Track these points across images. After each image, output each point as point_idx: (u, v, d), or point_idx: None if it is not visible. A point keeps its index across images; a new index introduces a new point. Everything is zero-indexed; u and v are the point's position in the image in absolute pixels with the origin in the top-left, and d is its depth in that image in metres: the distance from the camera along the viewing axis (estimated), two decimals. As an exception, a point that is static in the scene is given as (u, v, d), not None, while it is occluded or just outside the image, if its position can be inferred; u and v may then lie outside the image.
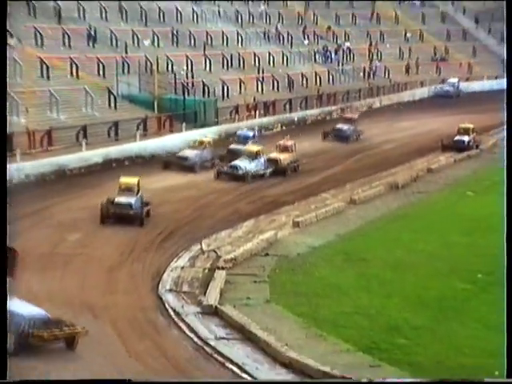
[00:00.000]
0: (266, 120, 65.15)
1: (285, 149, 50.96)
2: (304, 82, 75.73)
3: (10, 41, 55.62)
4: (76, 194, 40.76)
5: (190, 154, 49.08)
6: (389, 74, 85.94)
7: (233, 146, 51.78)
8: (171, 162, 48.93)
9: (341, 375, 20.65)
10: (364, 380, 17.34)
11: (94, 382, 17.78)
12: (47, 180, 43.62)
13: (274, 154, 50.14)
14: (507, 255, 15.19)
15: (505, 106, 15.29)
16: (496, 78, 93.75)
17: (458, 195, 45.75)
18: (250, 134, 54.22)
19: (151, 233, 35.90)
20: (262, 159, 48.24)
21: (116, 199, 36.46)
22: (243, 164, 47.07)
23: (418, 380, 16.37)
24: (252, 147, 49.47)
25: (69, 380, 17.01)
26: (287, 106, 69.50)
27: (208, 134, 56.84)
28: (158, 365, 23.50)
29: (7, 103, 44.72)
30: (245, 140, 52.51)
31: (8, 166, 42.15)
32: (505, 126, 15.33)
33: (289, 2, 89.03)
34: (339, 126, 62.12)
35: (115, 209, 36.21)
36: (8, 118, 47.75)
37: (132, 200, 36.29)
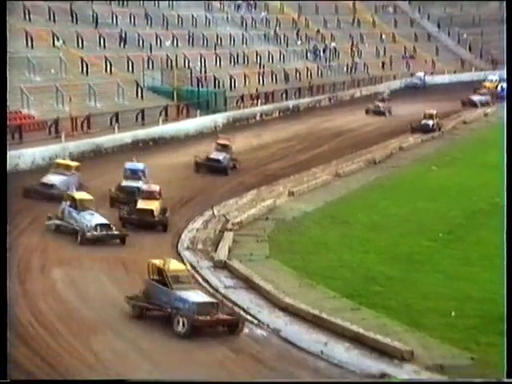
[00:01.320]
0: (266, 107, 64.84)
1: (223, 147, 43.12)
2: (297, 75, 75.33)
3: (57, 43, 55.85)
4: (110, 169, 40.61)
5: (55, 180, 34.42)
6: (367, 69, 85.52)
7: (125, 184, 34.64)
8: (33, 190, 34.57)
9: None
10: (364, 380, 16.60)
11: (94, 382, 16.23)
12: (87, 157, 43.46)
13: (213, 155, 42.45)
14: (507, 255, 14.58)
15: (505, 106, 14.57)
16: (454, 72, 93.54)
17: (424, 169, 45.59)
18: (141, 166, 36.09)
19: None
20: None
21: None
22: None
23: (419, 380, 15.85)
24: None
25: (69, 380, 15.65)
26: (283, 96, 69.14)
27: (218, 118, 56.92)
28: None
29: (28, 98, 46.12)
30: (135, 174, 35.24)
31: (53, 146, 42.94)
32: (505, 127, 14.50)
33: (285, 9, 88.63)
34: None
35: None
36: (54, 106, 48.73)
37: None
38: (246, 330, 21.85)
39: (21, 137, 43.32)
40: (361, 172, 44.40)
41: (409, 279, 25.89)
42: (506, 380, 13.73)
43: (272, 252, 28.73)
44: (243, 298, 24.22)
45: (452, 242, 30.43)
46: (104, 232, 29.07)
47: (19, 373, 18.30)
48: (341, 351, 20.39)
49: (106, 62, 57.30)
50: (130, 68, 59.57)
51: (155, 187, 32.80)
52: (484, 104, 72.37)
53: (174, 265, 22.71)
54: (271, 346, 21.06)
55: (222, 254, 28.01)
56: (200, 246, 29.62)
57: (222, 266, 27.09)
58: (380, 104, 67.30)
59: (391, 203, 36.81)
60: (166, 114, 54.03)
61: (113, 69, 57.46)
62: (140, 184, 33.90)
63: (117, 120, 49.18)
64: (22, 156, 40.57)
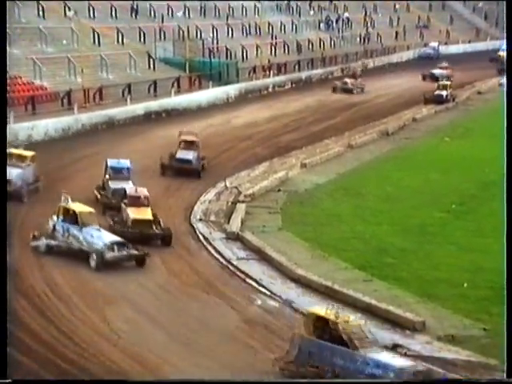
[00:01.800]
0: (278, 79, 64.46)
1: (190, 144, 36.00)
2: (310, 46, 74.90)
3: (69, 14, 55.71)
4: (123, 141, 40.76)
5: (10, 174, 25.89)
6: (381, 40, 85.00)
7: (114, 186, 29.47)
8: None
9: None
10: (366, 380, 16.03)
11: (94, 382, 15.81)
12: (99, 129, 43.62)
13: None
14: (507, 254, 14.22)
15: (505, 107, 14.22)
16: (469, 42, 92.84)
17: (437, 140, 45.47)
18: (126, 164, 30.87)
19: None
20: None
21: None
22: None
23: (419, 380, 15.47)
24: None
25: (69, 380, 15.26)
26: (296, 67, 68.82)
27: (230, 90, 56.82)
28: (190, 281, 23.73)
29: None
30: (119, 173, 30.45)
31: (65, 118, 43.04)
32: (505, 126, 14.31)
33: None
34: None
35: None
36: (67, 77, 48.69)
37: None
38: (258, 301, 22.12)
39: (34, 108, 43.44)
40: (373, 143, 44.32)
41: (421, 251, 25.97)
42: (506, 380, 13.51)
43: (284, 224, 28.83)
44: (256, 270, 24.38)
45: (464, 213, 30.47)
46: (124, 252, 24.42)
47: (36, 343, 18.56)
48: (353, 322, 20.55)
49: (117, 33, 57.17)
50: (142, 39, 59.37)
51: (143, 191, 27.83)
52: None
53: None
54: (284, 317, 21.20)
55: (234, 225, 28.13)
56: (213, 218, 29.66)
57: (234, 237, 27.18)
58: (348, 81, 63.61)
59: (404, 175, 36.84)
60: (179, 86, 53.94)
61: (124, 40, 57.35)
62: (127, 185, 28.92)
63: (129, 91, 49.08)
64: (35, 127, 40.71)
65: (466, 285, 22.52)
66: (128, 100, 47.89)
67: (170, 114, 49.46)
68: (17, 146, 36.27)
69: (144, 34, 59.49)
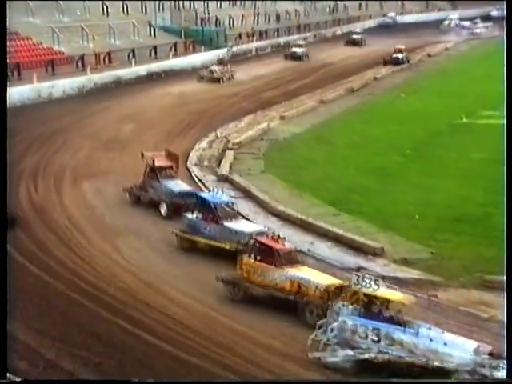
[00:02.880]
0: (260, 44, 64.07)
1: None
2: (287, 16, 74.17)
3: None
4: (129, 97, 40.48)
5: None
6: (347, 10, 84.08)
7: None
8: None
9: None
10: (365, 380, 13.70)
11: (94, 382, 13.80)
12: (109, 87, 43.26)
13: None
14: (507, 253, 12.58)
15: (505, 107, 13.42)
16: (421, 12, 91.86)
17: (394, 96, 45.11)
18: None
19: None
20: None
21: None
22: None
23: (419, 380, 13.37)
24: None
25: (69, 380, 13.51)
26: (275, 34, 68.41)
27: (219, 53, 56.32)
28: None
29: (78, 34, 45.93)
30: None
31: (80, 78, 42.83)
32: (505, 126, 13.67)
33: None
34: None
35: None
36: (80, 43, 48.25)
37: None
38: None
39: (53, 70, 43.04)
40: (341, 99, 43.84)
41: (381, 189, 25.77)
42: (506, 380, 12.23)
43: (266, 167, 28.57)
44: (243, 206, 23.96)
45: (417, 157, 30.41)
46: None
47: (60, 271, 18.63)
48: (324, 249, 20.46)
49: (123, 5, 56.52)
50: (144, 10, 58.60)
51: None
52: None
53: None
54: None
55: (224, 169, 27.88)
56: (206, 163, 29.39)
57: (224, 179, 26.86)
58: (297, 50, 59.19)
59: (367, 126, 36.50)
60: (176, 50, 53.68)
61: (129, 10, 56.69)
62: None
63: (133, 55, 48.67)
64: (54, 86, 40.38)
65: (417, 217, 22.56)
66: (133, 62, 47.62)
67: (168, 74, 48.97)
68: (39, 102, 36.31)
69: (145, 6, 58.71)
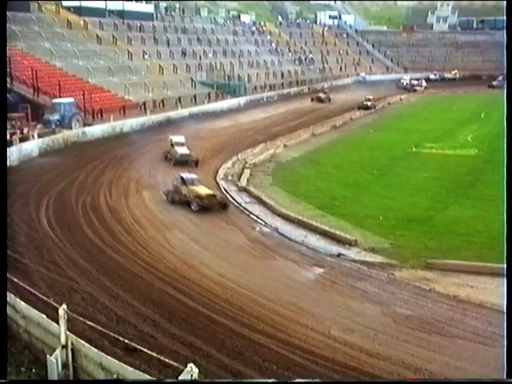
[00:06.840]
0: (270, 93, 63.47)
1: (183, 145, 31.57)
2: (289, 74, 73.89)
3: (146, 56, 55.13)
4: (176, 131, 40.21)
5: None
6: (331, 71, 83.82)
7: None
8: None
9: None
10: (364, 380, 12.22)
11: (94, 382, 10.51)
12: (162, 124, 43.08)
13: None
14: (507, 252, 9.42)
15: (505, 105, 12.66)
16: (383, 73, 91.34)
17: (365, 131, 44.49)
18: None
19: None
20: None
21: None
22: None
23: (421, 381, 11.97)
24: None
25: (68, 380, 10.86)
26: (281, 86, 67.95)
27: (241, 100, 56.15)
28: (217, 212, 23.16)
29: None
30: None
31: (142, 117, 42.82)
32: (505, 126, 12.93)
33: (281, 34, 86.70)
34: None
35: None
36: (143, 93, 48.20)
37: None
38: (257, 228, 21.73)
39: (124, 113, 43.04)
40: (328, 133, 43.30)
41: (355, 198, 25.52)
42: (506, 380, 9.38)
43: (274, 181, 28.32)
44: (256, 209, 23.86)
45: (381, 175, 30.02)
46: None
47: (126, 253, 18.28)
48: (314, 240, 20.18)
49: (173, 67, 56.63)
50: (188, 70, 58.68)
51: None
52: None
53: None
54: (273, 238, 20.83)
55: (243, 182, 27.69)
56: (230, 178, 29.16)
57: (243, 189, 26.71)
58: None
59: (346, 152, 36.16)
60: (209, 98, 53.48)
61: (178, 71, 56.74)
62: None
63: (180, 101, 48.56)
64: (124, 124, 40.30)
65: (381, 218, 22.25)
66: (179, 106, 47.41)
67: (204, 115, 48.66)
68: (113, 136, 36.09)
69: (189, 67, 58.83)
